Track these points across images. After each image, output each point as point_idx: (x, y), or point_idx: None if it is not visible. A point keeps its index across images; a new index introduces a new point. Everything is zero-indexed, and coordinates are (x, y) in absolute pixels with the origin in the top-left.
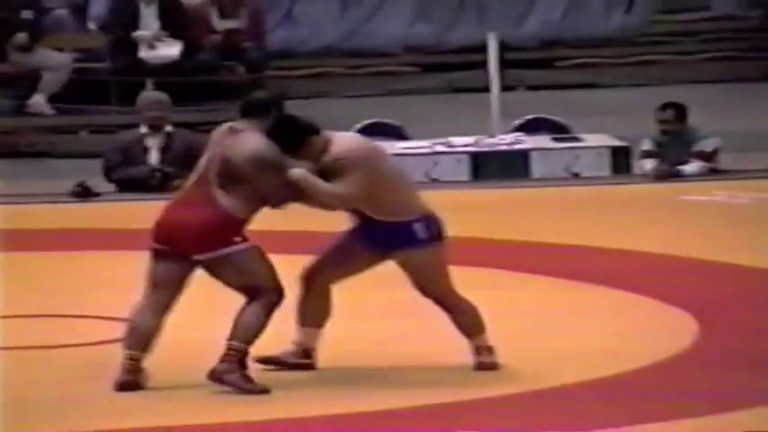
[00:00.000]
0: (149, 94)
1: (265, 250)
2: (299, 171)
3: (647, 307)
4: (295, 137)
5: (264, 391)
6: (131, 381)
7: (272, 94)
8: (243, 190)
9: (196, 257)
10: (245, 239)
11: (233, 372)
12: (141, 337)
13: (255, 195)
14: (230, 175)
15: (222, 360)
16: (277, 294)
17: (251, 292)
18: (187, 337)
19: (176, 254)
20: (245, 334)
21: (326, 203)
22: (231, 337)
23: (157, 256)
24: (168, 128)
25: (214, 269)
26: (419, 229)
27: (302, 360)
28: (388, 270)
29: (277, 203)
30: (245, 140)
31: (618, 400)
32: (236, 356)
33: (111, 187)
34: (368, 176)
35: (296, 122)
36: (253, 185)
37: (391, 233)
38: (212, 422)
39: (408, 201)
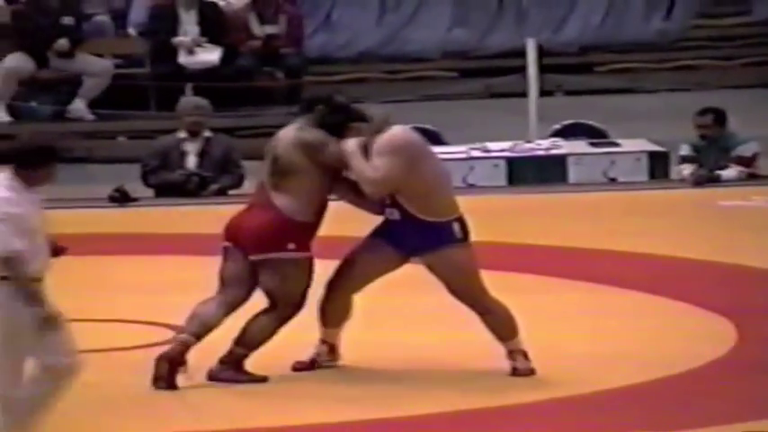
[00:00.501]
0: (189, 99)
1: None
2: (352, 144)
3: (685, 313)
4: (338, 121)
5: (263, 379)
6: (172, 357)
7: (324, 92)
8: (296, 187)
9: (251, 257)
10: (301, 248)
11: (227, 369)
12: (198, 326)
13: (310, 190)
14: (282, 172)
15: (221, 361)
16: (292, 309)
17: (272, 301)
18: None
19: (243, 253)
20: (250, 341)
21: (364, 183)
22: (237, 342)
23: (226, 254)
24: (207, 133)
25: (260, 270)
26: (457, 229)
27: (332, 359)
28: (419, 276)
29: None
30: (284, 135)
31: (652, 406)
32: (234, 359)
33: (149, 192)
34: (405, 165)
35: (341, 108)
36: (303, 178)
37: (429, 231)
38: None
39: (448, 202)
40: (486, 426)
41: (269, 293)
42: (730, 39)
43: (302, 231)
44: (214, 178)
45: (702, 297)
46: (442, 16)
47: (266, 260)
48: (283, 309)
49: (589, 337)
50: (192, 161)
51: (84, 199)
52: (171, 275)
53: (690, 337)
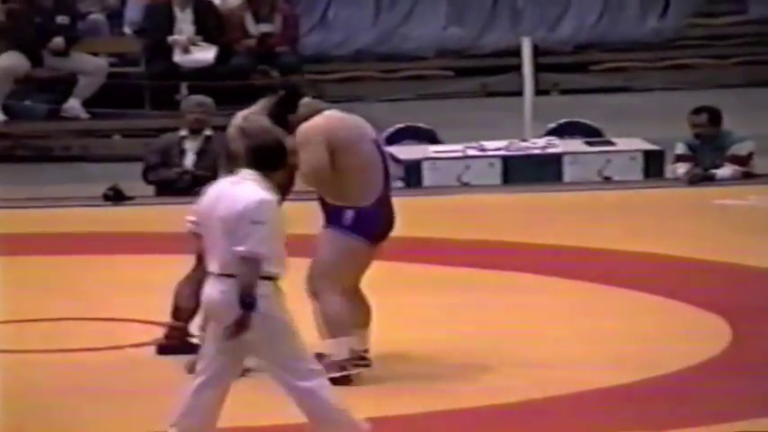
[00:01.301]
0: (193, 97)
1: None
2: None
3: (680, 311)
4: (285, 115)
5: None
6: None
7: (288, 83)
8: None
9: None
10: None
11: None
12: None
13: None
14: (233, 160)
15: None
16: None
17: None
18: None
19: None
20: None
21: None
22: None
23: None
24: (208, 131)
25: None
26: (348, 216)
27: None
28: (414, 277)
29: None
30: (233, 123)
31: (648, 405)
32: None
33: (147, 190)
34: (325, 153)
35: (287, 103)
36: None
37: (328, 213)
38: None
39: (360, 191)
40: (481, 425)
41: None
42: (725, 38)
43: None
44: (208, 177)
45: (697, 296)
46: (437, 15)
47: None
48: None
49: (584, 335)
50: (190, 159)
51: (78, 197)
52: (165, 274)
53: (685, 336)
